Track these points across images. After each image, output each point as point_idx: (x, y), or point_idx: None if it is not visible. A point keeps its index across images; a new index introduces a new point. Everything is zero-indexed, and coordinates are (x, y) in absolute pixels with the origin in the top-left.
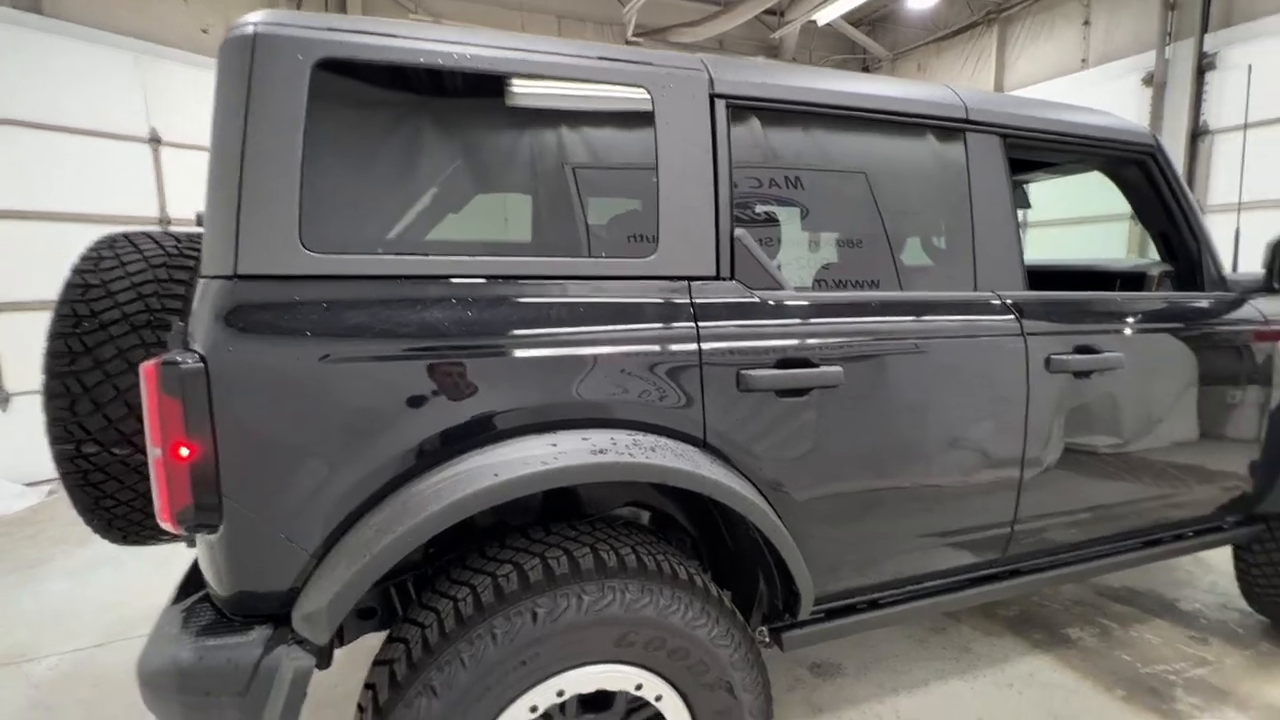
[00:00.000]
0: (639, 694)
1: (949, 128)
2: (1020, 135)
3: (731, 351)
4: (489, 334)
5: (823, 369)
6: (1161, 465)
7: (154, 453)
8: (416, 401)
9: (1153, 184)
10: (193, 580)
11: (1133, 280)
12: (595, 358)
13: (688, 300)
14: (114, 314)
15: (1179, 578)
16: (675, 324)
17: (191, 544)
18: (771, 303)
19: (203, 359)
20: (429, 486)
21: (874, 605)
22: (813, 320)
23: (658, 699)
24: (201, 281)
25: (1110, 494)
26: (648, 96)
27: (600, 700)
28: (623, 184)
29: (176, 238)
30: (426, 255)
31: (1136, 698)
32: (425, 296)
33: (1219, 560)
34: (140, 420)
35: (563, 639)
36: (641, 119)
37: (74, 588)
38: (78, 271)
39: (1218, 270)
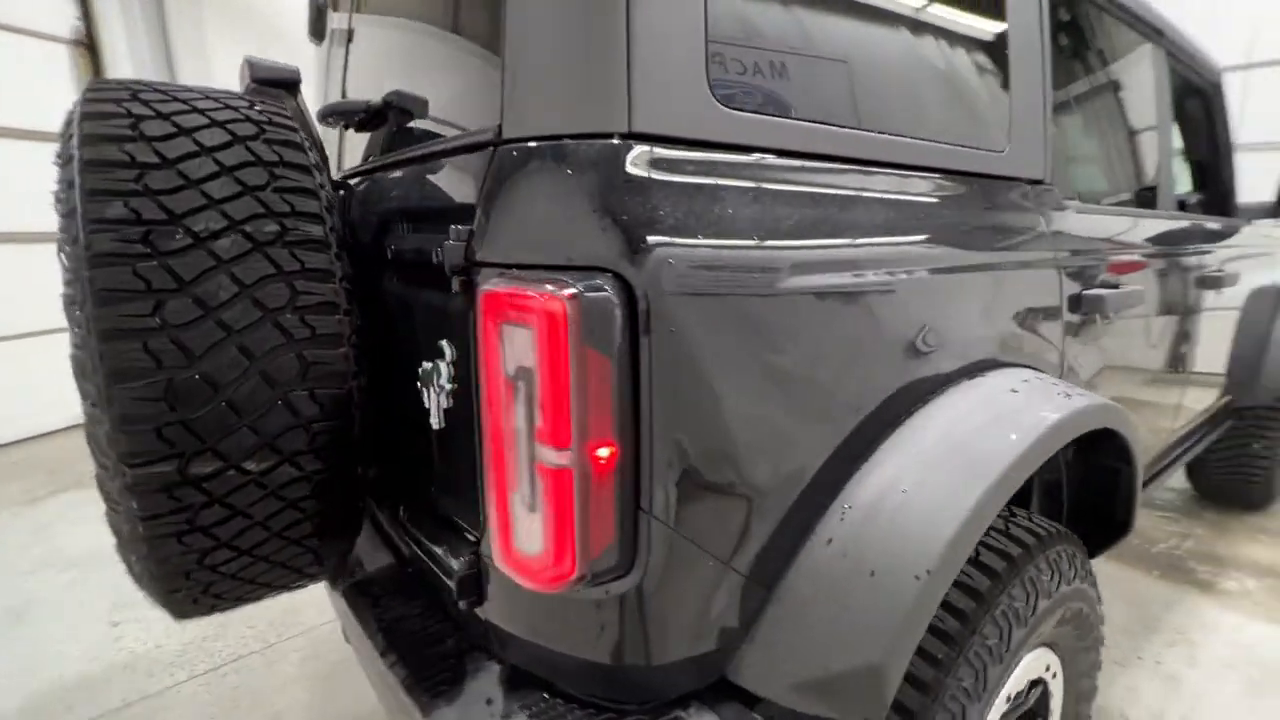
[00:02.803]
0: (1043, 676)
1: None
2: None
3: (1076, 269)
4: (962, 247)
5: (1132, 289)
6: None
7: (551, 458)
8: (899, 339)
9: (1210, 115)
10: (408, 648)
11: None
12: (995, 279)
13: (1037, 209)
14: (213, 218)
15: None
16: (1039, 237)
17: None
18: (1082, 215)
19: (628, 287)
20: (930, 459)
21: None
22: (1121, 236)
23: (1053, 677)
24: (507, 150)
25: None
26: None
27: None
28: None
29: (246, 98)
30: (883, 134)
31: (1169, 576)
32: (889, 190)
33: None
34: (293, 411)
35: (1030, 629)
36: None
37: None
38: (109, 139)
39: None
